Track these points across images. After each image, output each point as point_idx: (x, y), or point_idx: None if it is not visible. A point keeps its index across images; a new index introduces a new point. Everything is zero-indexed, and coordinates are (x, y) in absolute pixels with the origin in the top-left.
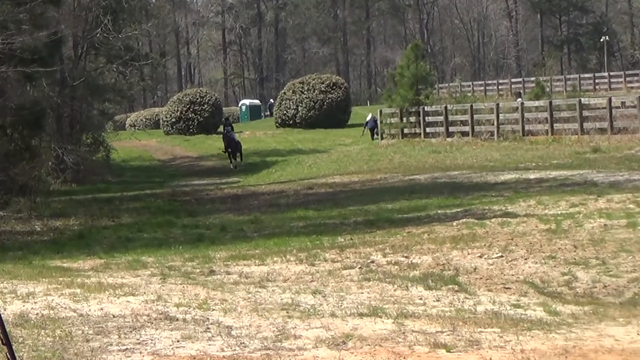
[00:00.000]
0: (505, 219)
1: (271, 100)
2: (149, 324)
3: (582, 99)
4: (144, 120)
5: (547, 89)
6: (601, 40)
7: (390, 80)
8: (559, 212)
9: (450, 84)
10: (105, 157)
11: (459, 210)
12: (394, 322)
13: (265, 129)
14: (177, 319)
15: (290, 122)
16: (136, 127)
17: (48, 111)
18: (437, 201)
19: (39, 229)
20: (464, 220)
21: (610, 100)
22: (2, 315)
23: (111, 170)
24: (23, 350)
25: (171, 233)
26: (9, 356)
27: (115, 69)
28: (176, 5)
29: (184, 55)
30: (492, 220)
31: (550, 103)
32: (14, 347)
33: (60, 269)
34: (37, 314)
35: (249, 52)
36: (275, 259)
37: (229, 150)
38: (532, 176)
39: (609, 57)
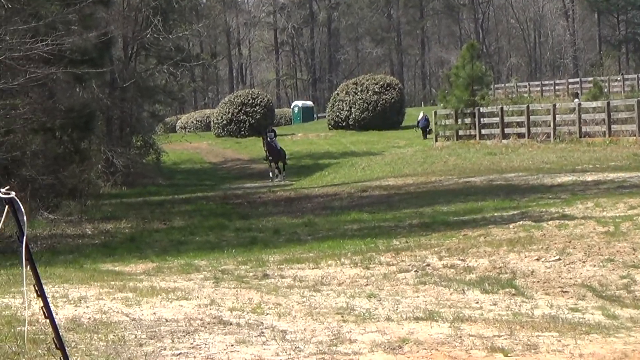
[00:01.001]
0: (562, 221)
1: None
2: (203, 328)
3: None
4: (195, 122)
5: (605, 90)
6: None
7: (445, 81)
8: (617, 215)
9: (507, 85)
10: (156, 159)
11: (515, 212)
12: (450, 326)
13: (317, 131)
14: (231, 323)
15: (343, 124)
16: (187, 129)
17: (98, 113)
18: (493, 204)
19: (89, 232)
20: (520, 222)
21: None
22: (55, 320)
23: (162, 173)
24: (76, 354)
25: (224, 236)
26: None
27: (165, 70)
28: (227, 5)
29: (235, 56)
30: (549, 222)
31: (608, 104)
32: (67, 351)
33: (112, 273)
34: (89, 318)
35: (302, 52)
36: (329, 262)
37: (270, 158)
38: (589, 178)
39: None
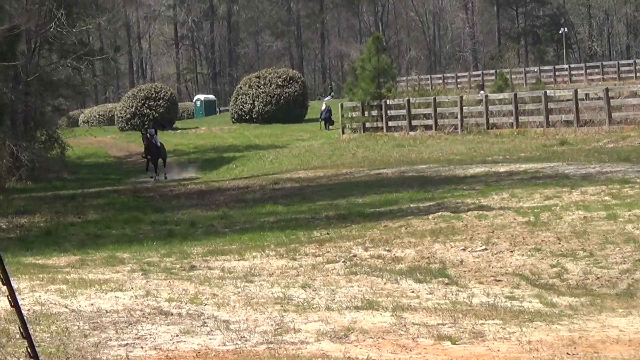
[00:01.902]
0: (481, 212)
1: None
2: (144, 319)
3: (548, 92)
4: (98, 116)
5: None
6: (560, 32)
7: (351, 74)
8: (535, 205)
9: (408, 78)
10: (60, 154)
11: (431, 203)
12: (392, 315)
13: (221, 125)
14: (172, 314)
15: (247, 117)
16: (89, 124)
17: (7, 107)
18: (408, 195)
19: (4, 226)
20: (439, 213)
21: (576, 92)
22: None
23: (66, 167)
24: (22, 346)
25: (140, 229)
26: (29, 350)
27: (69, 64)
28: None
29: (136, 50)
30: (468, 213)
31: (515, 95)
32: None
33: (36, 266)
34: (28, 309)
35: (202, 46)
36: (254, 253)
37: (149, 157)
38: (501, 169)
39: (566, 49)
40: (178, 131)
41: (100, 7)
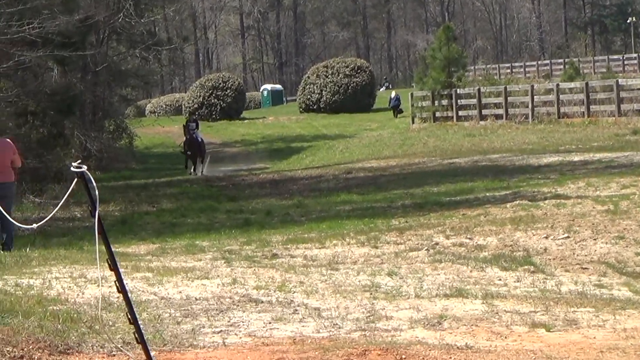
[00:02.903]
0: (558, 200)
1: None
2: (235, 306)
3: (620, 80)
4: (164, 106)
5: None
6: (627, 21)
7: (421, 63)
8: (612, 194)
9: (476, 67)
10: (129, 144)
11: (507, 192)
12: (483, 303)
13: (288, 114)
14: (262, 302)
15: (315, 107)
16: (156, 114)
17: (77, 97)
18: (483, 184)
19: (79, 215)
20: (517, 202)
21: None
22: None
23: (135, 157)
24: (119, 333)
25: (215, 218)
26: (137, 335)
27: (137, 54)
28: None
29: (202, 41)
30: (546, 202)
31: (587, 84)
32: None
33: (117, 254)
34: (117, 297)
35: (268, 36)
36: (334, 241)
37: (189, 152)
38: (575, 158)
39: (634, 38)
40: (245, 121)
41: None
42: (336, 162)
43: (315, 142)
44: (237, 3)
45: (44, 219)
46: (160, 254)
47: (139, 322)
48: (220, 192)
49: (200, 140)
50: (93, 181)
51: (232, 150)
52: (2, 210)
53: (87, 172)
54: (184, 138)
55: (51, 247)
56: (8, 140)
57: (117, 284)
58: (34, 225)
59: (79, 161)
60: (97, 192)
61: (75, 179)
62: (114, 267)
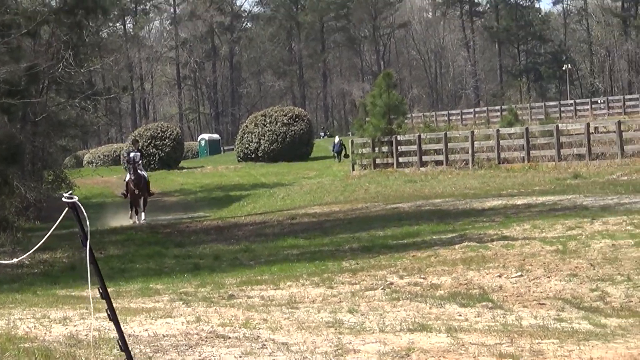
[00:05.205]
0: (506, 242)
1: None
2: (203, 342)
3: (560, 125)
4: (102, 156)
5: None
6: (563, 68)
7: (361, 110)
8: (559, 235)
9: (413, 115)
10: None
11: (454, 235)
12: (448, 336)
13: (226, 164)
14: (229, 337)
15: (253, 156)
16: (94, 164)
17: (21, 147)
18: (429, 227)
19: (27, 262)
20: (465, 244)
21: (588, 125)
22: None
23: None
24: None
25: (164, 263)
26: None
27: (77, 104)
28: (129, 40)
29: (139, 91)
30: (493, 243)
31: (527, 130)
32: None
33: (73, 297)
34: (86, 335)
35: (204, 86)
36: (288, 283)
37: (137, 192)
38: (519, 202)
39: (569, 85)
40: (184, 170)
41: (107, 47)
42: (279, 209)
43: (254, 190)
44: (173, 54)
45: None
46: (116, 296)
47: (130, 352)
48: (166, 238)
49: (146, 178)
50: (84, 212)
51: (171, 200)
52: None
53: (78, 203)
54: (127, 176)
55: (2, 292)
56: None
57: (108, 312)
58: (15, 260)
59: (70, 192)
60: (88, 222)
61: (66, 209)
62: (105, 296)
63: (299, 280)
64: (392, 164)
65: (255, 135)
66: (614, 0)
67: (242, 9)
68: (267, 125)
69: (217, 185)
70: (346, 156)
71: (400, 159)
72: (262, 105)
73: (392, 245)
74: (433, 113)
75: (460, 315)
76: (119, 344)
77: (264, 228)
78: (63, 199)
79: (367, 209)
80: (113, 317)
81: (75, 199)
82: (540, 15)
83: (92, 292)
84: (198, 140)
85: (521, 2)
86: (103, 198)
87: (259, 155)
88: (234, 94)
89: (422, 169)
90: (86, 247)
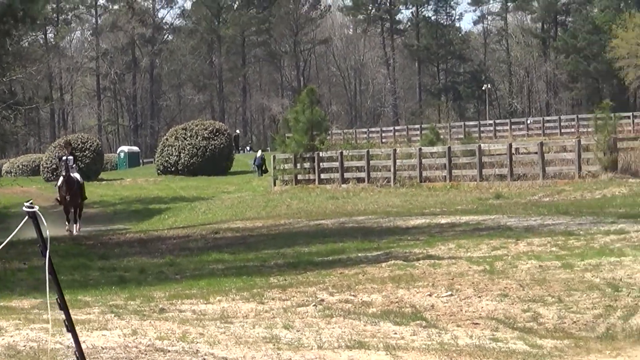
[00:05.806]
0: (432, 260)
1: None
2: (143, 355)
3: (482, 145)
4: (21, 166)
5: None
6: (482, 88)
7: (284, 125)
8: (484, 255)
9: (333, 132)
10: None
11: (379, 253)
12: (387, 354)
13: (146, 176)
14: (169, 351)
15: (172, 169)
16: (13, 174)
17: None
18: (354, 245)
19: None
20: (391, 262)
21: (510, 146)
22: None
23: None
24: None
25: (89, 275)
26: None
27: None
28: (50, 50)
29: (58, 102)
30: (420, 262)
31: (449, 149)
32: None
33: (3, 308)
34: (24, 346)
35: (124, 98)
36: (218, 297)
37: (67, 198)
38: (442, 221)
39: (487, 105)
40: (103, 182)
41: (29, 57)
42: (201, 223)
43: (174, 203)
44: (93, 64)
45: None
46: (45, 308)
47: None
48: (89, 250)
49: (80, 182)
50: (44, 221)
51: (91, 212)
52: None
53: (38, 213)
54: (59, 180)
55: None
56: None
57: (66, 323)
58: None
59: (30, 201)
60: (47, 232)
61: (26, 218)
62: (63, 307)
63: (228, 295)
64: (314, 180)
65: (175, 149)
66: (533, 22)
67: (163, 21)
68: (188, 138)
69: (136, 197)
70: (265, 171)
71: (322, 175)
72: (182, 118)
73: (318, 262)
74: (353, 130)
75: (395, 334)
76: (76, 355)
77: (188, 242)
78: (23, 209)
79: (290, 225)
80: (71, 328)
81: (36, 208)
82: (460, 35)
83: (47, 301)
84: (117, 152)
85: (442, 21)
86: (22, 208)
87: (179, 168)
88: (153, 107)
89: (344, 185)
90: (45, 256)
